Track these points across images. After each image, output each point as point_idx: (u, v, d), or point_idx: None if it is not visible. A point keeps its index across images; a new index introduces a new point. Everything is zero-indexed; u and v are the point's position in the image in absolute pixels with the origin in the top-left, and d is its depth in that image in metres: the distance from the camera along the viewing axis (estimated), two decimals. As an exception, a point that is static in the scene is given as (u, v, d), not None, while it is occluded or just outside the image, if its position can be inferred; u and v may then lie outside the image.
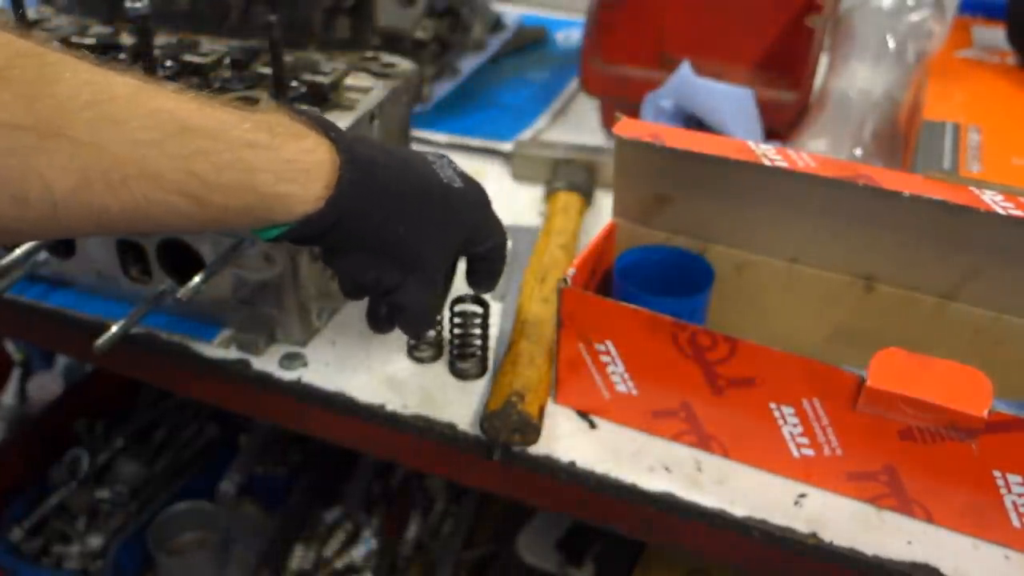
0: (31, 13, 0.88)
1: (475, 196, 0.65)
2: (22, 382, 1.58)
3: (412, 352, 0.79)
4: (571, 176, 0.99)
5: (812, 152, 0.77)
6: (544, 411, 0.71)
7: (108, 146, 0.47)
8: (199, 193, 0.50)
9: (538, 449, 0.71)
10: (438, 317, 0.76)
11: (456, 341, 0.77)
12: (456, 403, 0.75)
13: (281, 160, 0.53)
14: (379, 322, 0.67)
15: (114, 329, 0.73)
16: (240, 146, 0.51)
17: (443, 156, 0.66)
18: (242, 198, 0.52)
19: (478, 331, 0.76)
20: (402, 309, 0.63)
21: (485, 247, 0.66)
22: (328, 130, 0.56)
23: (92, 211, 0.49)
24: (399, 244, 0.60)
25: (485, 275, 0.68)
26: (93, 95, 0.47)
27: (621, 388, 0.71)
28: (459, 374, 0.78)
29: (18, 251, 0.75)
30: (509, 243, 0.69)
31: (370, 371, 0.79)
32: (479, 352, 0.77)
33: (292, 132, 0.54)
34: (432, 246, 0.62)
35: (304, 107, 0.58)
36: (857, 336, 0.74)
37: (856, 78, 0.96)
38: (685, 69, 0.97)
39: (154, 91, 0.50)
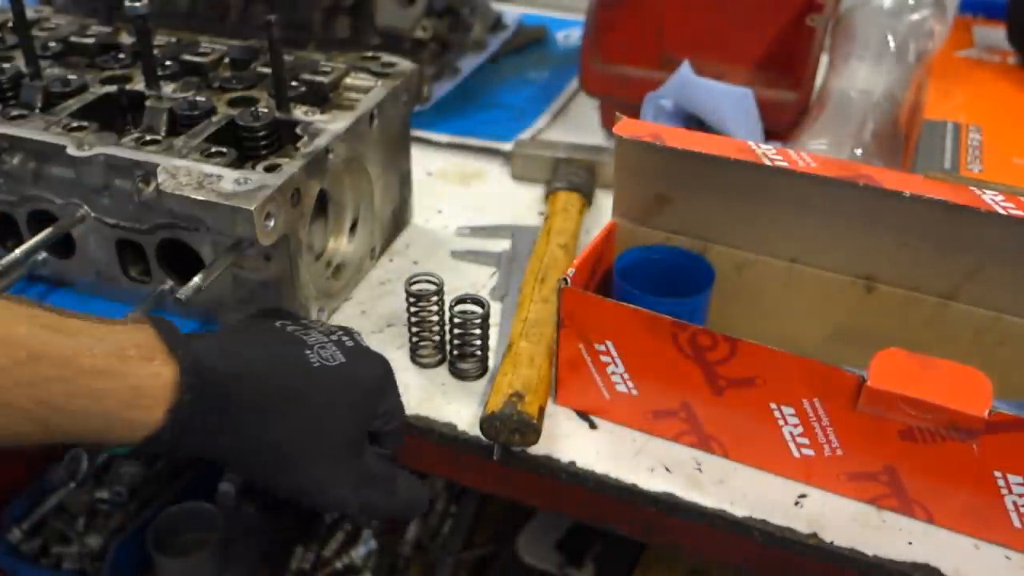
0: (30, 13, 0.88)
1: (365, 373, 0.65)
2: (22, 382, 1.57)
3: (415, 357, 0.79)
4: (571, 176, 0.99)
5: (812, 152, 0.77)
6: (544, 411, 0.71)
7: None
8: (46, 419, 0.51)
9: (538, 449, 0.70)
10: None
11: (456, 341, 0.76)
12: (456, 403, 0.75)
13: (127, 388, 0.53)
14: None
15: (113, 329, 0.73)
16: (89, 374, 0.52)
17: (337, 331, 0.67)
18: (87, 424, 0.53)
19: (478, 331, 0.75)
20: (319, 507, 0.63)
21: (390, 426, 0.67)
22: (176, 347, 0.56)
23: None
24: (265, 449, 0.59)
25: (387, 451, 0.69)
26: None
27: (621, 388, 0.71)
28: (459, 374, 0.77)
29: (18, 251, 0.75)
30: (507, 247, 0.69)
31: (370, 371, 0.78)
32: (479, 352, 0.77)
33: (142, 354, 0.54)
34: (307, 441, 0.61)
35: (163, 318, 0.58)
36: (857, 336, 0.74)
37: (856, 78, 0.96)
38: (685, 69, 0.97)
39: (6, 314, 0.51)
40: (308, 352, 0.63)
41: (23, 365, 0.50)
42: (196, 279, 0.69)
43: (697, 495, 0.68)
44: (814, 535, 0.65)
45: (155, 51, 0.84)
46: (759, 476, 0.69)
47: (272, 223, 0.69)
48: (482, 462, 0.72)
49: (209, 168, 0.71)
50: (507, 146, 1.09)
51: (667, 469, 0.70)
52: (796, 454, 0.67)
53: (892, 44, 0.96)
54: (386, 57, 0.89)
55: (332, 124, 0.78)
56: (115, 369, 0.53)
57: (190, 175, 0.70)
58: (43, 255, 0.83)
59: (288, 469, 0.60)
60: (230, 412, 0.58)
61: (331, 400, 0.62)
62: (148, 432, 0.54)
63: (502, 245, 0.94)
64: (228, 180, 0.69)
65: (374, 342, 0.81)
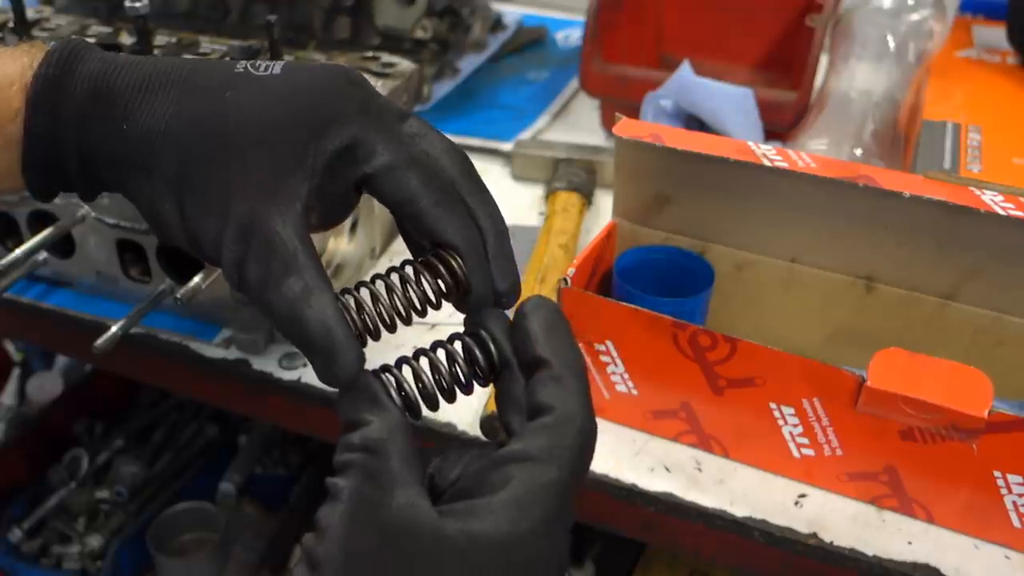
0: (30, 13, 0.88)
1: (303, 85, 0.47)
2: (22, 382, 1.58)
3: None
4: (571, 176, 0.99)
5: (812, 152, 0.77)
6: (544, 411, 0.71)
7: None
8: None
9: (538, 449, 0.70)
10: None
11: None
12: (456, 403, 0.75)
13: None
14: None
15: (114, 329, 0.73)
16: None
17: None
18: None
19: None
20: (189, 240, 0.47)
21: (374, 164, 0.47)
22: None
23: None
24: (142, 144, 0.46)
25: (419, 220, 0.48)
26: None
27: (621, 388, 0.71)
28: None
29: (18, 251, 0.75)
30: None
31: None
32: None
33: (11, 48, 0.49)
34: (199, 150, 0.45)
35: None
36: (857, 336, 0.74)
37: (856, 78, 0.96)
38: (685, 69, 0.97)
39: None
40: (241, 61, 0.49)
41: None
42: (196, 279, 0.69)
43: (697, 495, 0.68)
44: (814, 535, 0.65)
45: (155, 51, 0.83)
46: (759, 476, 0.69)
47: (272, 223, 0.68)
48: (482, 462, 0.72)
49: (209, 168, 0.70)
50: (507, 146, 1.09)
51: (667, 469, 0.70)
52: (796, 454, 0.67)
53: (892, 44, 0.96)
54: (386, 57, 0.89)
55: (332, 124, 0.77)
56: None
57: (190, 175, 0.69)
58: (43, 255, 0.83)
59: (168, 177, 0.46)
60: (108, 98, 0.47)
61: (233, 106, 0.46)
62: (16, 127, 0.47)
63: (502, 245, 0.94)
64: (228, 180, 0.69)
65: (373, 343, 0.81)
